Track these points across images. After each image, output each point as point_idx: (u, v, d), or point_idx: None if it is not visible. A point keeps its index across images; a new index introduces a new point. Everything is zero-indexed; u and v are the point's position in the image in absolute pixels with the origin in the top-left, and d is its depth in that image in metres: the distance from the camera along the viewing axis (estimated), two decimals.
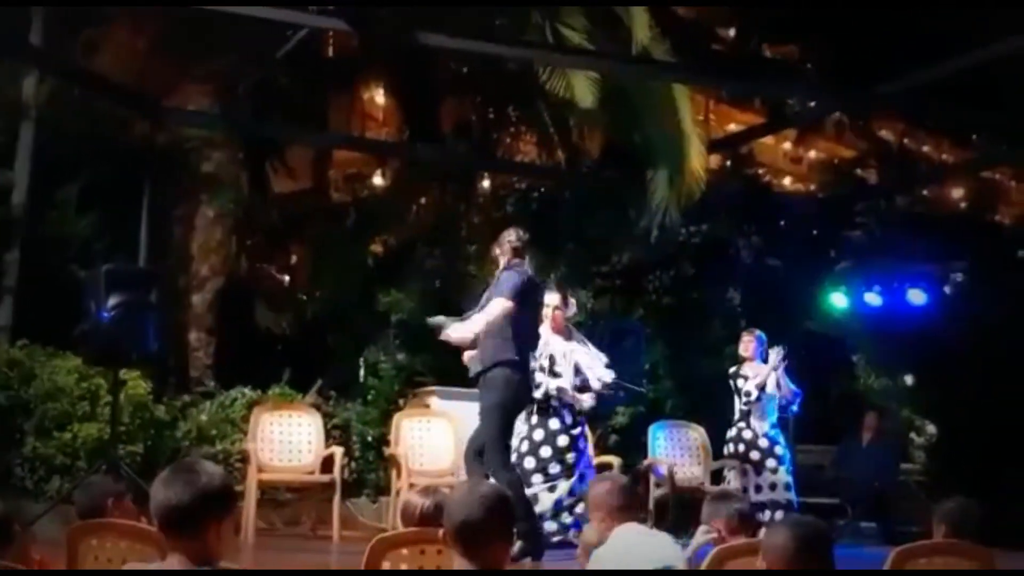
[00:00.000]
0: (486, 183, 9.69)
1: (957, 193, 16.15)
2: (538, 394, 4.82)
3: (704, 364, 7.55)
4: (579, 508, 4.69)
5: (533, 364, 4.75)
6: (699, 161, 7.45)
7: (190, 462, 2.03)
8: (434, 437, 5.58)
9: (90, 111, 6.71)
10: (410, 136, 9.16)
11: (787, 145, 19.49)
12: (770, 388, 5.70)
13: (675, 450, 6.04)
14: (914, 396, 9.22)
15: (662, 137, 7.43)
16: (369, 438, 6.51)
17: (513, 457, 4.82)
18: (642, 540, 2.87)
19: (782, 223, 9.72)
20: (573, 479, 4.80)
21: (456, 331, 4.28)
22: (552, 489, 4.75)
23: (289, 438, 5.45)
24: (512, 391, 4.24)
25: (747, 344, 5.81)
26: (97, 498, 2.99)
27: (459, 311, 4.63)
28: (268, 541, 5.24)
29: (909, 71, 5.97)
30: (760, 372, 5.69)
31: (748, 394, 5.65)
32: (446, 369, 6.22)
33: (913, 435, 9.05)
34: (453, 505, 2.02)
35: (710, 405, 6.46)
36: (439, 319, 4.43)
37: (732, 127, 15.70)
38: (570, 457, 4.83)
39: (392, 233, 9.27)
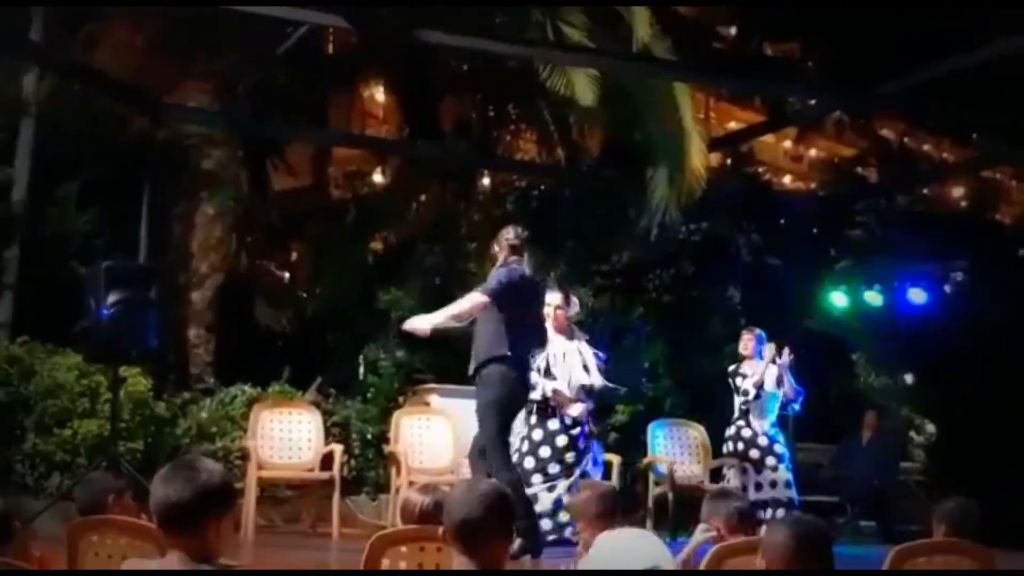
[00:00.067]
0: (486, 181, 9.69)
1: (958, 192, 16.15)
2: (535, 395, 4.82)
3: (704, 362, 7.56)
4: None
5: (535, 363, 4.77)
6: (700, 159, 7.45)
7: (190, 459, 2.03)
8: (433, 435, 5.58)
9: (90, 108, 6.71)
10: (410, 134, 9.16)
11: (787, 143, 19.48)
12: (769, 386, 5.70)
13: (675, 448, 6.04)
14: (914, 395, 9.23)
15: (662, 135, 7.43)
16: (369, 436, 6.51)
17: (514, 457, 4.83)
18: (627, 543, 2.90)
19: (782, 222, 9.72)
20: (572, 478, 4.80)
21: (414, 322, 4.26)
22: (551, 489, 4.75)
23: (289, 435, 5.45)
24: (507, 387, 4.24)
25: (747, 342, 5.81)
26: (97, 495, 2.99)
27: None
28: (268, 538, 5.24)
29: (910, 70, 5.97)
30: (758, 370, 5.69)
31: (746, 392, 5.65)
32: (446, 367, 6.23)
33: (913, 434, 9.06)
34: (453, 503, 2.02)
35: (710, 403, 6.46)
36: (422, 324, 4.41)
37: (732, 125, 15.70)
38: (569, 457, 4.83)
39: (392, 231, 9.27)
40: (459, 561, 1.98)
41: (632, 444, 6.42)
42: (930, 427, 9.00)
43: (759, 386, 5.65)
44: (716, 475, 5.91)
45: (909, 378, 9.34)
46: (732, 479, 5.66)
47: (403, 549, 2.53)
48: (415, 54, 7.76)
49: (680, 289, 8.37)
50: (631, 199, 7.85)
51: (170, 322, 6.78)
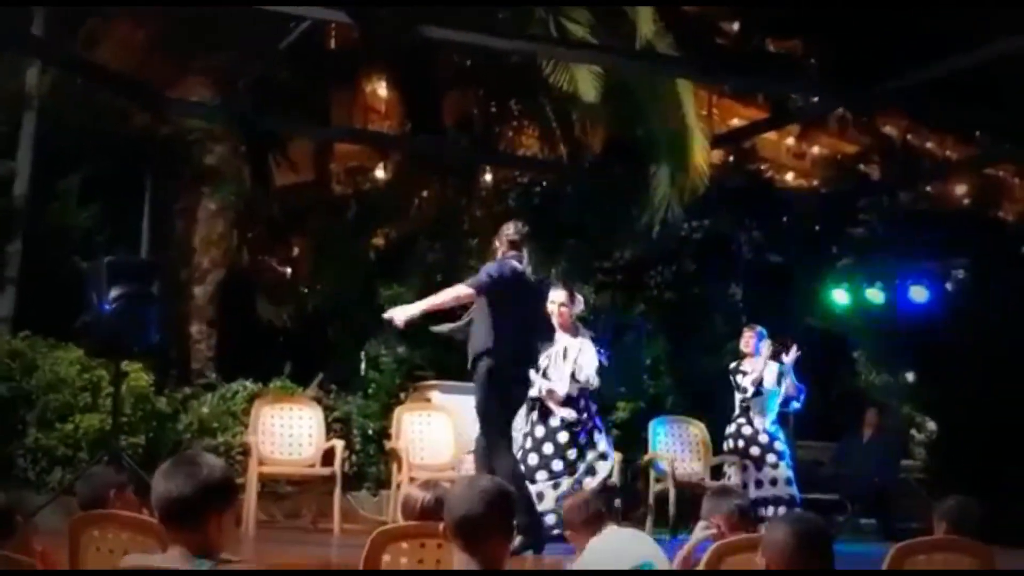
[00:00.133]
0: (488, 177, 9.68)
1: (960, 189, 16.14)
2: (533, 392, 4.83)
3: (705, 360, 7.56)
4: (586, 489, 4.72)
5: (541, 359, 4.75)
6: (702, 156, 7.44)
7: (191, 455, 2.03)
8: (434, 431, 5.58)
9: (92, 103, 6.70)
10: (412, 129, 9.15)
11: (790, 140, 19.46)
12: (769, 383, 5.70)
13: (676, 445, 6.04)
14: (915, 393, 9.23)
15: (665, 132, 7.42)
16: (370, 431, 6.51)
17: (518, 454, 4.85)
18: (617, 544, 2.93)
19: (784, 219, 9.72)
20: (577, 473, 4.79)
21: (394, 311, 4.26)
22: (556, 486, 4.75)
23: (290, 431, 5.45)
24: (496, 380, 4.23)
25: (748, 340, 5.81)
26: (99, 489, 2.99)
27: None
28: (269, 534, 5.24)
29: (912, 68, 5.95)
30: (757, 367, 5.69)
31: (744, 390, 5.65)
32: (446, 363, 6.23)
33: (914, 432, 9.06)
34: (453, 499, 2.03)
35: (711, 401, 6.46)
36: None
37: (735, 122, 15.68)
38: (571, 453, 4.83)
39: (394, 226, 9.27)
40: (460, 558, 1.98)
41: (633, 441, 6.43)
42: (931, 425, 9.00)
43: (758, 383, 5.65)
44: (717, 472, 5.91)
45: (910, 376, 9.34)
46: (733, 476, 5.67)
47: (404, 545, 2.53)
48: (417, 50, 7.74)
49: (681, 286, 8.37)
50: (633, 196, 7.84)
51: (172, 317, 6.78)
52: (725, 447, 5.80)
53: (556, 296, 4.88)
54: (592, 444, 4.88)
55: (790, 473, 5.64)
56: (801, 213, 9.99)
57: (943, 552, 2.77)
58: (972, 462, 7.37)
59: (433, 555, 2.49)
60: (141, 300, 5.08)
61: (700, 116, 8.04)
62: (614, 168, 8.40)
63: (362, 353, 7.24)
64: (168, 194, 7.13)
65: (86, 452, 5.42)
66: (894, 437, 8.36)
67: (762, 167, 13.09)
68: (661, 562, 2.88)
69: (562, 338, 4.89)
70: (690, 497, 5.32)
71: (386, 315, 4.31)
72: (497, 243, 4.49)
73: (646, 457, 5.94)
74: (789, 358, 5.65)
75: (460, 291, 4.28)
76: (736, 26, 14.26)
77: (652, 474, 5.83)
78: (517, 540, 3.89)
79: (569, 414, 4.84)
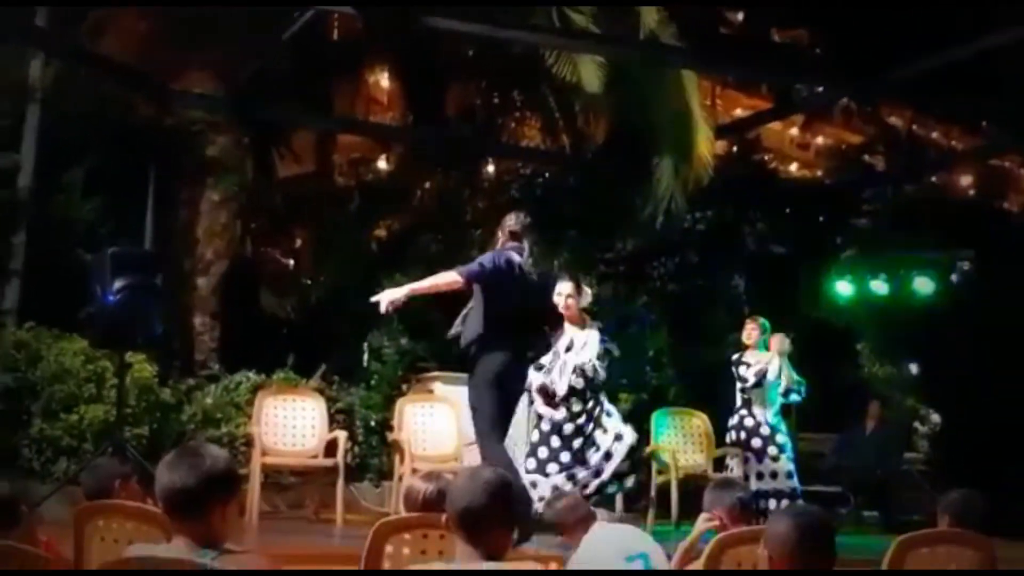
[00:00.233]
0: (490, 168, 9.68)
1: (965, 180, 16.08)
2: (536, 385, 4.83)
3: (708, 351, 7.55)
4: (604, 474, 4.74)
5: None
6: (707, 147, 7.41)
7: (195, 446, 2.04)
8: (437, 422, 5.59)
9: (96, 94, 6.70)
10: (415, 120, 9.13)
11: (794, 131, 19.40)
12: (771, 376, 5.70)
13: (678, 437, 6.04)
14: (919, 385, 9.21)
15: (669, 122, 7.39)
16: (372, 423, 6.53)
17: (526, 448, 4.89)
18: (610, 535, 2.94)
19: (788, 210, 9.69)
20: (592, 461, 4.78)
21: (383, 295, 4.24)
22: (571, 477, 4.76)
23: (293, 422, 5.46)
24: (488, 371, 4.22)
25: (750, 331, 5.80)
26: (104, 480, 3.01)
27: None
28: (272, 524, 5.26)
29: (918, 58, 5.92)
30: (762, 360, 5.69)
31: (745, 380, 5.65)
32: (449, 355, 6.23)
33: (917, 424, 9.05)
34: (456, 491, 2.03)
35: (713, 392, 6.46)
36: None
37: (739, 112, 15.63)
38: (576, 443, 4.83)
39: (396, 218, 9.27)
40: (462, 549, 1.98)
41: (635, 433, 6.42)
42: (935, 417, 8.99)
43: (761, 375, 5.65)
44: (720, 464, 5.92)
45: (914, 368, 9.32)
46: (735, 468, 5.67)
47: (406, 536, 2.54)
48: (420, 41, 7.72)
49: (684, 278, 8.36)
50: (636, 187, 7.82)
51: (175, 308, 6.79)
52: (727, 439, 5.79)
53: (563, 288, 4.86)
54: (602, 429, 4.85)
55: (791, 466, 5.64)
56: (805, 204, 9.95)
57: (946, 545, 2.77)
58: (975, 455, 7.37)
59: (435, 546, 2.49)
60: (145, 291, 5.09)
61: (704, 106, 8.01)
62: (617, 159, 8.37)
63: (365, 344, 7.25)
64: (171, 186, 7.13)
65: (91, 443, 5.43)
66: (897, 430, 8.35)
67: (766, 158, 13.05)
68: (656, 555, 2.88)
69: (569, 330, 4.89)
70: (692, 489, 5.32)
71: (373, 299, 4.30)
72: (499, 233, 4.48)
73: (648, 449, 5.94)
74: (775, 347, 5.63)
75: (449, 277, 4.26)
76: (740, 16, 14.19)
77: (654, 466, 5.84)
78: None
79: (556, 414, 4.83)
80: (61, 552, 2.68)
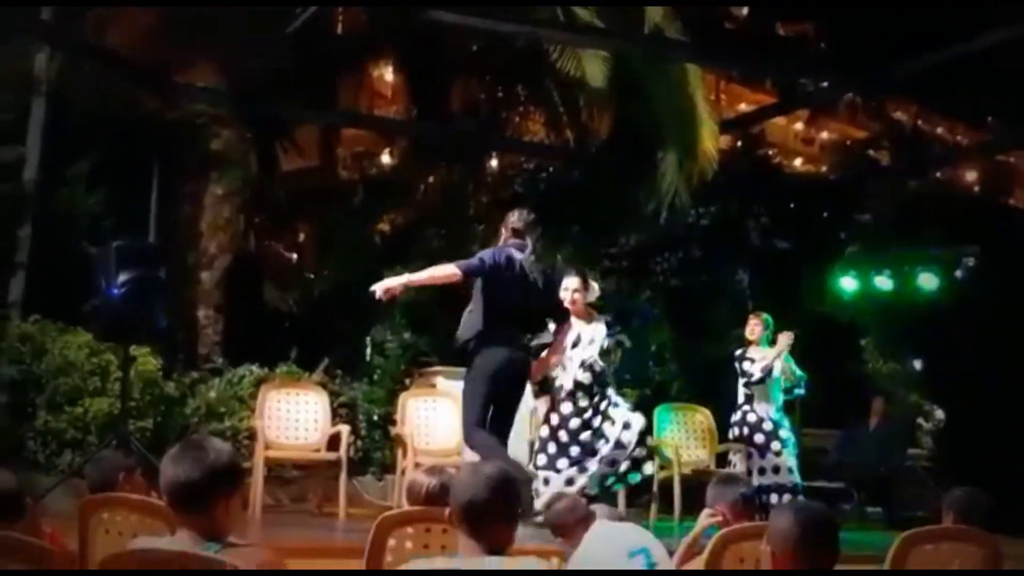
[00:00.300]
0: (494, 163, 9.66)
1: (970, 176, 16.02)
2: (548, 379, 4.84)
3: (711, 347, 7.54)
4: (622, 467, 4.76)
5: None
6: (711, 142, 7.39)
7: (198, 439, 2.05)
8: (439, 417, 5.59)
9: (100, 88, 6.70)
10: (418, 115, 9.12)
11: (799, 126, 19.34)
12: (776, 371, 5.69)
13: (681, 433, 6.04)
14: (923, 381, 9.20)
15: (673, 117, 7.38)
16: (375, 417, 6.54)
17: (536, 444, 4.89)
18: (611, 532, 2.94)
19: (792, 205, 9.67)
20: (602, 453, 4.79)
21: (380, 284, 4.24)
22: (583, 470, 4.78)
23: (296, 416, 5.48)
24: (483, 364, 4.22)
25: (753, 327, 5.79)
26: (108, 472, 3.02)
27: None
28: (275, 517, 5.28)
29: (923, 53, 5.89)
30: (767, 356, 5.68)
31: (750, 376, 5.65)
32: (451, 349, 6.23)
33: (921, 420, 9.04)
34: (458, 485, 2.03)
35: (716, 388, 6.45)
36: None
37: (743, 107, 15.58)
38: (585, 436, 4.84)
39: (399, 212, 9.26)
40: (464, 543, 1.99)
41: None
42: (939, 413, 8.98)
43: (767, 371, 5.64)
44: (722, 460, 5.92)
45: (918, 364, 9.31)
46: (737, 464, 5.67)
47: (409, 530, 2.54)
48: (424, 35, 7.70)
49: (688, 273, 8.35)
50: (640, 182, 7.81)
51: (179, 302, 6.80)
52: (730, 435, 5.79)
53: (570, 283, 4.86)
54: (610, 421, 4.85)
55: (793, 461, 5.64)
56: (809, 199, 9.93)
57: (949, 542, 2.77)
58: (979, 451, 7.36)
59: (438, 540, 2.50)
60: (149, 285, 5.10)
61: (708, 101, 7.99)
62: (621, 154, 8.36)
63: (368, 339, 7.26)
64: (175, 180, 7.13)
65: (95, 435, 5.45)
66: (900, 426, 8.34)
67: (770, 153, 13.00)
68: (656, 550, 2.89)
69: (576, 325, 4.88)
70: (695, 485, 5.32)
71: (372, 287, 4.30)
72: (503, 230, 4.48)
73: (651, 444, 5.93)
74: (781, 344, 5.62)
75: (448, 270, 4.26)
76: (745, 10, 14.14)
77: (657, 461, 5.84)
78: None
79: (560, 409, 4.84)
80: (65, 544, 2.68)
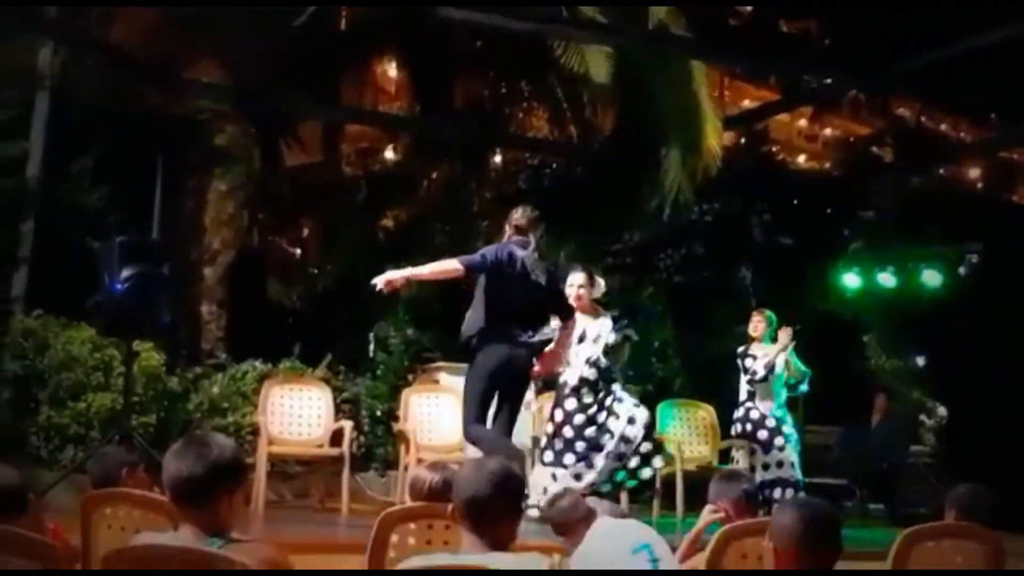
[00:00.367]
0: (497, 159, 9.65)
1: (974, 173, 15.97)
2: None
3: (714, 343, 7.54)
4: (632, 462, 4.77)
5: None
6: (714, 138, 7.38)
7: (202, 435, 2.05)
8: (442, 413, 5.60)
9: (104, 83, 6.70)
10: (422, 110, 9.11)
11: (802, 122, 19.29)
12: (779, 368, 5.69)
13: (683, 429, 6.04)
14: (925, 378, 9.19)
15: (677, 113, 7.37)
16: (378, 412, 6.55)
17: (543, 440, 4.90)
18: (613, 528, 2.95)
19: (795, 202, 9.66)
20: (607, 448, 4.79)
21: (382, 276, 4.24)
22: (590, 465, 4.78)
23: (299, 412, 5.48)
24: (485, 360, 4.22)
25: (756, 324, 5.79)
26: (111, 468, 3.02)
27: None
28: (277, 513, 5.29)
29: (927, 50, 5.87)
30: (769, 352, 5.68)
31: (754, 373, 5.65)
32: (454, 345, 6.24)
33: (924, 417, 9.03)
34: (461, 481, 2.03)
35: (719, 384, 6.45)
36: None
37: (747, 103, 15.54)
38: (590, 431, 4.85)
39: (403, 208, 9.26)
40: (467, 539, 1.99)
41: None
42: (941, 410, 8.97)
43: (770, 368, 5.64)
44: (725, 456, 5.92)
45: (921, 361, 9.30)
46: (740, 460, 5.67)
47: (412, 526, 2.54)
48: (428, 31, 7.69)
49: (691, 269, 8.35)
50: (643, 178, 7.80)
51: (183, 297, 6.81)
52: (733, 431, 5.80)
53: (575, 278, 4.85)
54: (615, 416, 4.85)
55: (795, 457, 5.65)
56: (813, 196, 9.91)
57: (952, 538, 2.76)
58: (982, 448, 7.36)
59: (441, 536, 2.50)
60: (152, 280, 5.10)
61: (711, 97, 7.97)
62: (624, 150, 8.34)
63: (371, 334, 7.26)
64: (179, 175, 7.13)
65: (98, 431, 5.46)
66: (903, 422, 8.33)
67: (774, 149, 12.97)
68: (659, 545, 2.89)
69: (581, 321, 4.88)
70: (698, 481, 5.32)
71: (373, 280, 4.30)
72: (506, 227, 4.48)
73: (656, 438, 5.93)
74: (782, 341, 5.61)
75: (450, 265, 4.26)
76: (749, 7, 14.10)
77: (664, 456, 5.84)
78: None
79: (562, 406, 4.83)
80: (68, 540, 2.69)
